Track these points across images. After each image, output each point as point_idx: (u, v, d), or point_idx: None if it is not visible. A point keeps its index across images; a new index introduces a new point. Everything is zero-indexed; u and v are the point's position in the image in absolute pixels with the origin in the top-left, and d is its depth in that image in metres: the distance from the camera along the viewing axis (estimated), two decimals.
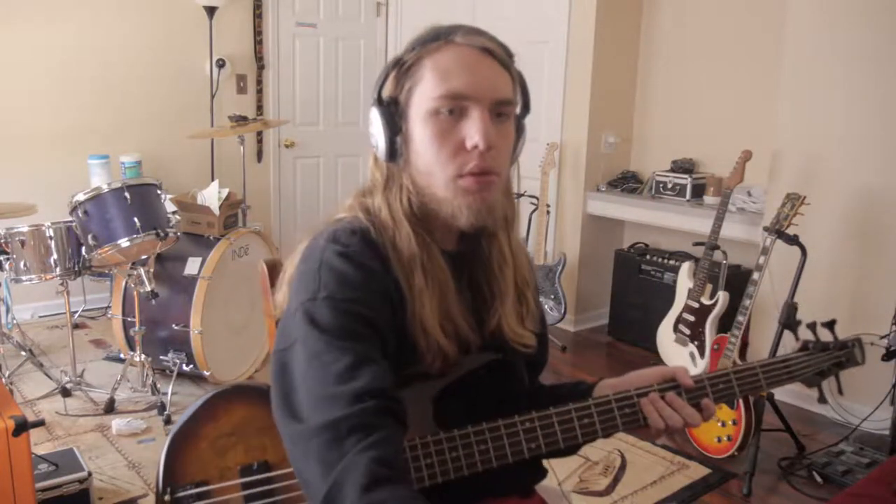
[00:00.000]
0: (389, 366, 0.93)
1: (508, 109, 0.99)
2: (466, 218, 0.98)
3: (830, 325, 1.24)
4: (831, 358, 1.22)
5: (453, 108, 0.96)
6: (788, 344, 2.45)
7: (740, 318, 2.64)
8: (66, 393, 3.07)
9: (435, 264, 1.00)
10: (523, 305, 1.08)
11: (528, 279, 1.11)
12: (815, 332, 1.23)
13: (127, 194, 2.81)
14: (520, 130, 1.05)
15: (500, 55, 0.99)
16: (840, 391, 1.24)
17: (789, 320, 2.45)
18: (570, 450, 1.08)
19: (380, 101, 1.00)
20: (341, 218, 1.05)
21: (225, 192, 3.27)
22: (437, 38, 0.98)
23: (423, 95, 0.97)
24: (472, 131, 0.95)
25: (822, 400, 1.23)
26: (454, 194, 0.97)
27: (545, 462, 1.19)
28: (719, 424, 2.68)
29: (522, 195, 4.17)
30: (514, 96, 1.00)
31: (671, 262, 3.75)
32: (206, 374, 3.11)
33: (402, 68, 0.99)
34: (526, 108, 1.05)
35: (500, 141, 0.98)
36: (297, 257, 1.02)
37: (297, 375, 0.91)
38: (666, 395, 1.05)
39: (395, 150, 1.00)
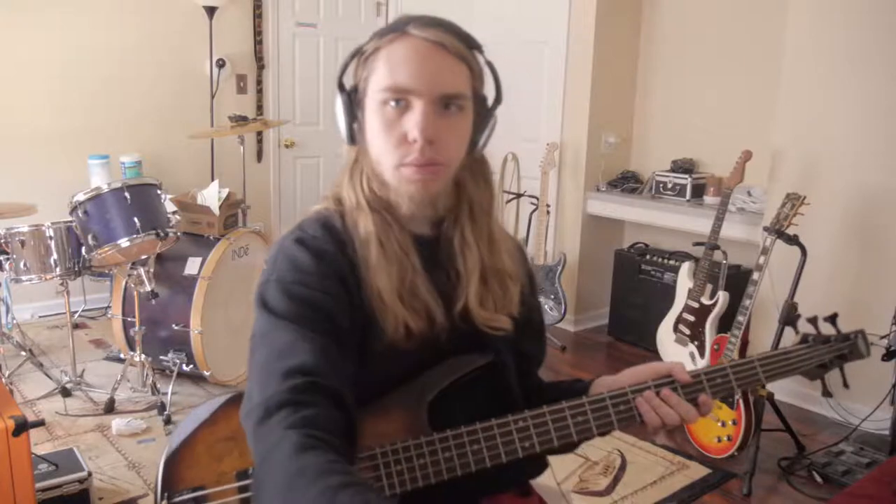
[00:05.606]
0: (348, 343, 0.97)
1: (460, 102, 1.00)
2: (407, 206, 1.02)
3: (832, 318, 1.22)
4: (833, 350, 1.20)
5: (399, 100, 0.98)
6: (790, 343, 2.45)
7: (740, 318, 2.64)
8: (66, 393, 3.07)
9: (393, 241, 1.02)
10: (492, 287, 1.08)
11: (508, 267, 1.11)
12: (816, 326, 1.21)
13: (127, 194, 2.81)
14: (486, 119, 1.05)
15: (454, 48, 0.99)
16: (845, 384, 1.22)
17: (789, 317, 2.45)
18: (567, 448, 1.08)
19: (342, 89, 1.03)
20: (315, 210, 1.09)
21: (225, 192, 3.27)
22: (395, 29, 1.00)
23: (375, 86, 0.99)
24: (411, 125, 0.97)
25: (825, 393, 1.21)
26: (398, 182, 1.01)
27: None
28: (719, 424, 2.69)
29: (522, 195, 4.17)
30: (468, 89, 1.01)
31: (671, 262, 3.75)
32: (206, 374, 3.11)
33: (362, 58, 1.02)
34: (497, 98, 1.05)
35: (446, 133, 0.99)
36: None
37: (252, 360, 0.97)
38: (661, 391, 1.04)
39: (353, 136, 1.04)
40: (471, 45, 1.02)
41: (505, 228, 1.18)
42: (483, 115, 1.04)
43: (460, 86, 0.99)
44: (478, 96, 1.03)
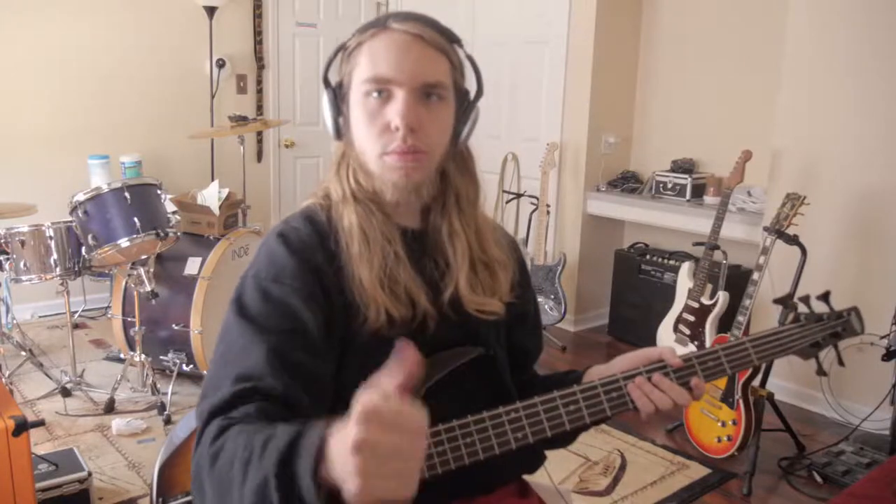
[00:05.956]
0: (321, 342, 0.98)
1: (440, 92, 1.03)
2: (391, 193, 1.05)
3: (825, 296, 1.20)
4: (826, 328, 1.18)
5: (381, 91, 1.01)
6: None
7: (740, 318, 2.64)
8: (66, 393, 3.07)
9: (376, 230, 1.04)
10: (481, 275, 1.11)
11: (496, 255, 1.13)
12: (808, 305, 1.19)
13: (127, 194, 2.81)
14: (468, 111, 1.08)
15: (432, 39, 1.02)
16: (840, 362, 1.21)
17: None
18: (563, 438, 1.07)
19: (327, 84, 1.06)
20: (302, 205, 1.12)
21: (225, 192, 3.27)
22: (376, 24, 1.04)
23: (358, 79, 1.03)
24: (392, 113, 1.00)
25: (820, 372, 1.19)
26: (381, 170, 1.03)
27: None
28: (719, 424, 2.69)
29: (522, 195, 4.17)
30: (449, 79, 1.04)
31: (671, 262, 3.75)
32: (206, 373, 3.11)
33: (345, 54, 1.06)
34: (479, 91, 1.09)
35: (428, 121, 1.02)
36: None
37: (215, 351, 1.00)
38: (653, 376, 1.04)
39: (339, 130, 1.07)
40: (450, 38, 1.05)
41: (495, 221, 1.21)
42: (465, 107, 1.08)
43: (440, 75, 1.03)
44: (459, 88, 1.07)
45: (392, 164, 1.02)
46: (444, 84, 1.03)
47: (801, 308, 1.19)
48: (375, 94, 1.01)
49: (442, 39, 1.03)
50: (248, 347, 0.95)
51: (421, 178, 1.05)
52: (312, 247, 1.03)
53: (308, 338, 0.98)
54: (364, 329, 1.01)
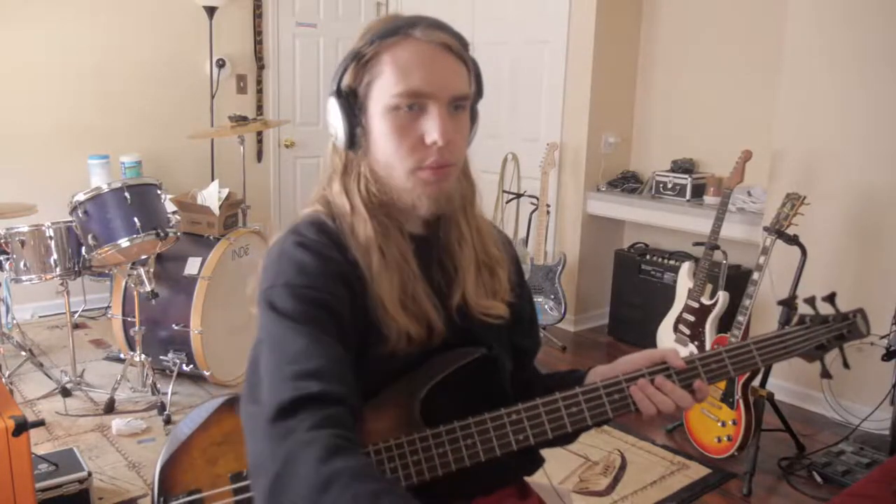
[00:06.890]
0: (353, 347, 0.96)
1: (465, 102, 1.02)
2: (427, 207, 1.02)
3: (830, 298, 1.18)
4: (831, 330, 1.16)
5: (413, 105, 0.98)
6: None
7: (740, 318, 2.64)
8: (66, 393, 3.07)
9: (393, 247, 1.02)
10: (484, 277, 1.10)
11: (496, 254, 1.13)
12: (814, 307, 1.17)
13: (127, 194, 2.81)
14: (473, 116, 1.07)
15: (457, 49, 1.01)
16: (845, 365, 1.19)
17: (789, 318, 2.44)
18: (564, 439, 1.07)
19: (339, 93, 1.02)
20: (306, 214, 1.08)
21: (225, 192, 3.27)
22: (396, 32, 0.99)
23: (383, 91, 0.99)
24: (431, 128, 0.97)
25: (825, 374, 1.18)
26: (414, 185, 1.00)
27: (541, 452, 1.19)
28: (719, 424, 2.69)
29: (522, 195, 4.17)
30: (470, 88, 1.03)
31: (671, 262, 3.75)
32: (206, 374, 3.11)
33: (361, 61, 1.01)
34: (479, 94, 1.08)
35: (457, 134, 1.01)
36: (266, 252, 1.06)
37: (262, 364, 0.93)
38: (655, 379, 1.03)
39: (355, 140, 1.02)
40: (464, 43, 1.04)
41: (488, 219, 1.21)
42: (473, 111, 1.07)
43: (465, 86, 1.02)
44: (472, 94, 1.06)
45: (426, 179, 0.99)
46: (468, 95, 1.02)
47: (807, 310, 1.18)
48: (406, 108, 0.97)
49: (461, 47, 1.02)
50: (308, 349, 0.90)
51: (450, 188, 1.03)
52: (336, 257, 1.00)
53: (348, 344, 0.96)
54: (382, 347, 0.99)
